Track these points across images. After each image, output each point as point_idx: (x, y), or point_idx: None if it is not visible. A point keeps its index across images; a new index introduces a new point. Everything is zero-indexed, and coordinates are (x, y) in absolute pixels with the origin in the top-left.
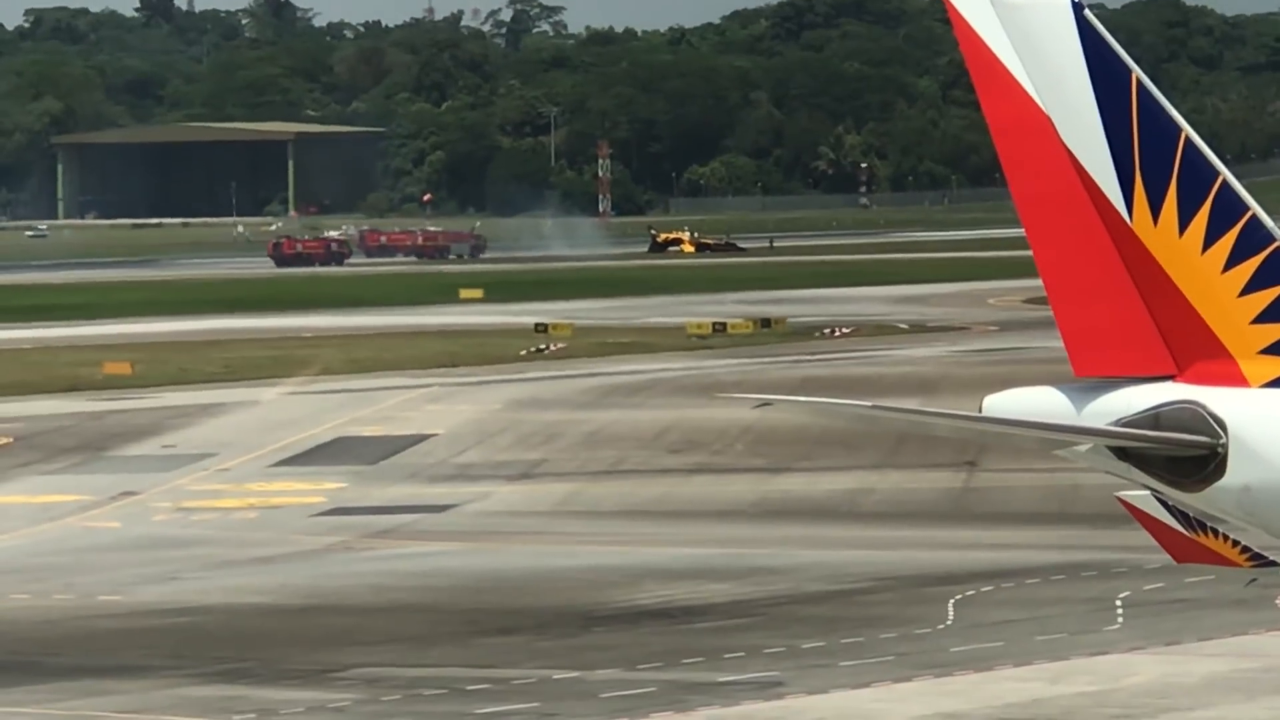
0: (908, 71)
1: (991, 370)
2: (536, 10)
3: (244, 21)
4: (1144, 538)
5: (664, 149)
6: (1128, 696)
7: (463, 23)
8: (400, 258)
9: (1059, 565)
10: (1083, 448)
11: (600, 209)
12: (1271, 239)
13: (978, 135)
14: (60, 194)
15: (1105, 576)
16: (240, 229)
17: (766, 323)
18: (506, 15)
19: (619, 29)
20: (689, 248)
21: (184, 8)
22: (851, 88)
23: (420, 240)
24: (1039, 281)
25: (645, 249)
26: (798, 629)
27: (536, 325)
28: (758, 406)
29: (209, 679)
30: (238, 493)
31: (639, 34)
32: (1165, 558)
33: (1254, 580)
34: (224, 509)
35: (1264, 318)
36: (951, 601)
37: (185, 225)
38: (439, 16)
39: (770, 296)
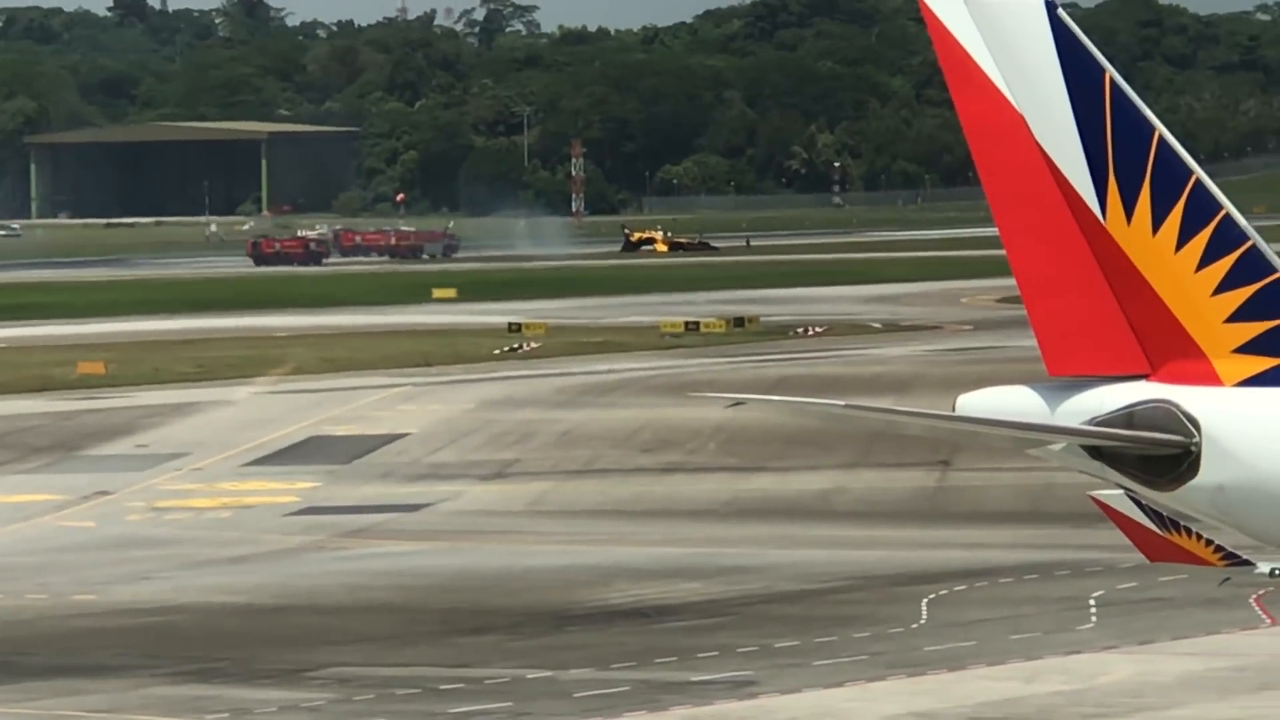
0: (881, 71)
1: (965, 369)
2: (509, 9)
3: (217, 21)
4: (1117, 537)
5: (637, 148)
6: (1101, 695)
7: (436, 22)
8: (374, 257)
9: (1032, 564)
10: (1056, 447)
11: (573, 208)
12: (1244, 238)
13: (951, 134)
14: (33, 193)
15: (1079, 576)
16: (213, 228)
17: (740, 322)
18: (479, 14)
19: (592, 28)
20: (662, 247)
21: (157, 7)
22: (825, 87)
23: (394, 240)
24: (1012, 280)
25: (619, 248)
26: (771, 628)
27: (510, 325)
28: (731, 406)
29: (182, 678)
30: (211, 492)
31: (612, 33)
32: (1139, 557)
33: (1227, 579)
34: (197, 509)
35: (1237, 317)
36: (925, 601)
37: (158, 224)
38: (412, 16)
39: (743, 296)
